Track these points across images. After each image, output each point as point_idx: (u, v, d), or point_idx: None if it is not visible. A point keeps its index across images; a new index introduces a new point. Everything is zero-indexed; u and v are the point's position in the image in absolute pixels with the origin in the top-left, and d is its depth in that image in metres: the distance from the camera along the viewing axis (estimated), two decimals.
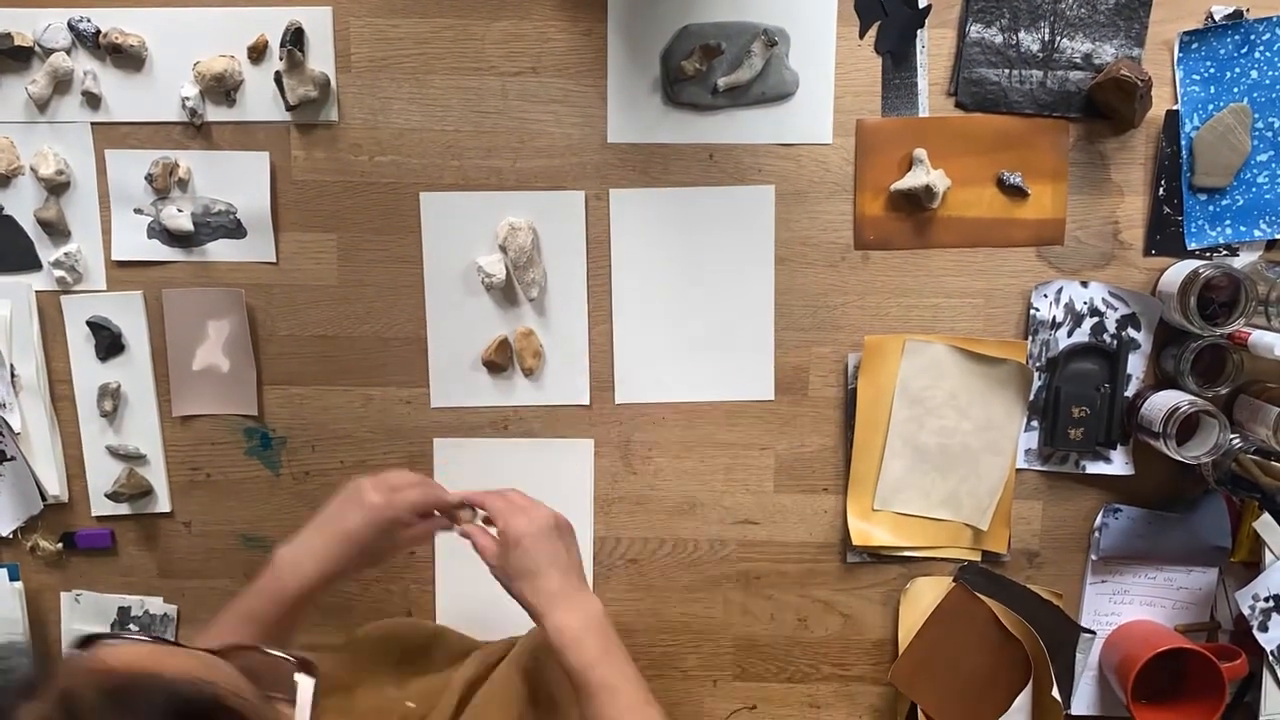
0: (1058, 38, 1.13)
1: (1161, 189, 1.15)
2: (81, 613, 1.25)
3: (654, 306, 1.19)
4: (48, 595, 1.25)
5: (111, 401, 1.20)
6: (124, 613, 1.25)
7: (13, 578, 1.23)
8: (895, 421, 1.19)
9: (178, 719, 0.56)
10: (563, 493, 1.20)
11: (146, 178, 1.16)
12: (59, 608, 1.25)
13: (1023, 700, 1.19)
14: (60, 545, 1.23)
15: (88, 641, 0.65)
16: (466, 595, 1.24)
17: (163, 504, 1.23)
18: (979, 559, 1.22)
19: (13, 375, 1.19)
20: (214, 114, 1.16)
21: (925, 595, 1.22)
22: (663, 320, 1.19)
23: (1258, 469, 1.06)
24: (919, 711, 1.21)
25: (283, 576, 0.97)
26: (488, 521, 1.03)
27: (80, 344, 1.20)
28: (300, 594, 0.97)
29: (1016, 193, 1.15)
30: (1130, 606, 1.22)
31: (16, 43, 1.13)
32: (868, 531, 1.21)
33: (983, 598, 1.19)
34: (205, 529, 1.24)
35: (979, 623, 1.20)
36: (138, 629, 1.25)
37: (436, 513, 1.04)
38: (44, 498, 1.21)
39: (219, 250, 1.18)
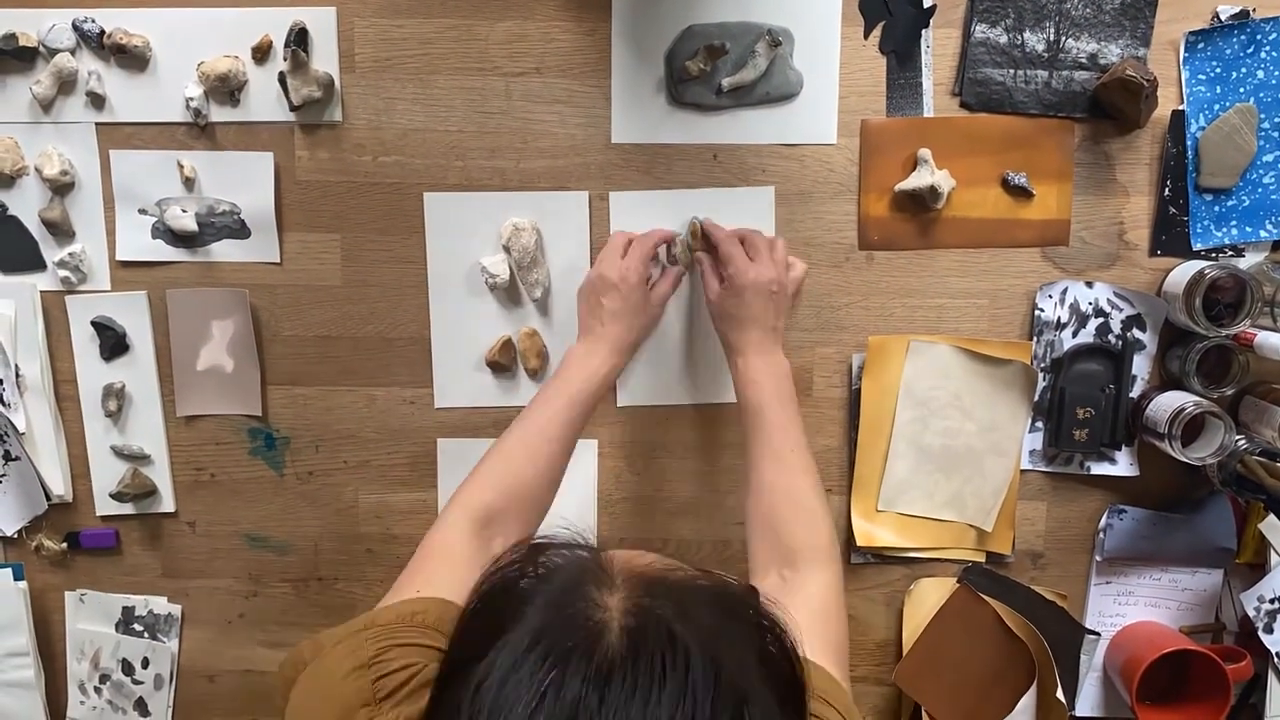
0: (1063, 38, 1.13)
1: (1167, 189, 1.15)
2: (86, 612, 1.25)
3: None
4: (52, 595, 1.26)
5: (116, 401, 1.20)
6: (128, 612, 1.25)
7: (17, 577, 1.23)
8: (899, 422, 1.19)
9: (735, 613, 0.61)
10: (566, 492, 1.21)
11: None
12: (63, 607, 1.26)
13: (1027, 702, 1.19)
14: (65, 545, 1.24)
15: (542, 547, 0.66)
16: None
17: (167, 504, 1.23)
18: (983, 560, 1.22)
19: (18, 375, 1.19)
20: (218, 114, 1.16)
21: (929, 596, 1.22)
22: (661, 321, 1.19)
23: (1263, 470, 1.06)
24: (923, 713, 1.21)
25: (588, 369, 1.07)
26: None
27: (85, 344, 1.20)
28: (606, 378, 1.08)
29: (1021, 193, 1.15)
30: (1135, 608, 1.22)
31: (21, 43, 1.13)
32: (872, 532, 1.21)
33: (987, 599, 1.19)
34: (209, 529, 1.24)
35: (983, 624, 1.19)
36: (143, 629, 1.25)
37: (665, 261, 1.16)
38: (49, 498, 1.21)
39: (223, 250, 1.18)
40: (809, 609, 0.91)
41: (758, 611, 0.62)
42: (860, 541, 1.21)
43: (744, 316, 1.08)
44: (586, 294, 1.12)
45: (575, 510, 1.22)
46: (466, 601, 0.63)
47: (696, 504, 1.22)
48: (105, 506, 1.23)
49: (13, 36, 1.12)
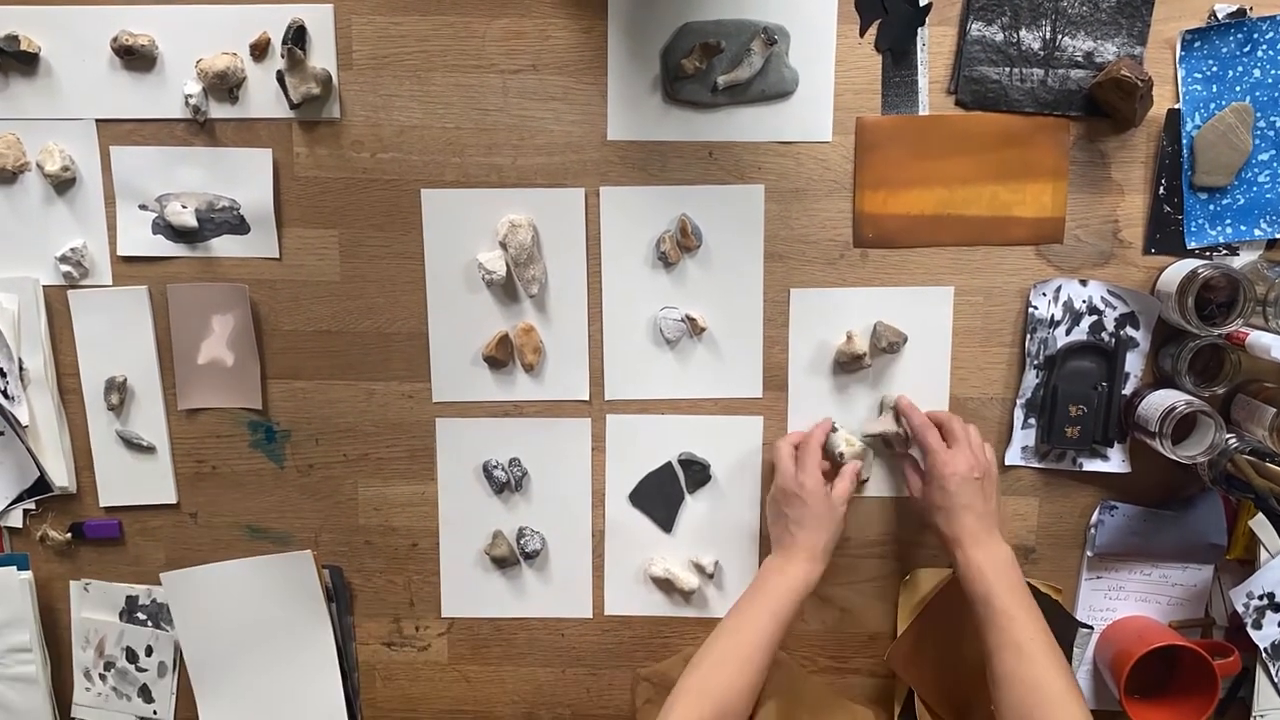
0: (1059, 36, 1.13)
1: (1162, 188, 1.15)
2: (91, 601, 1.27)
3: (643, 304, 1.20)
4: (57, 584, 1.28)
5: (118, 395, 1.21)
6: (132, 601, 1.27)
7: (22, 567, 1.25)
8: None
9: None
10: (564, 479, 1.24)
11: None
12: (68, 596, 1.28)
13: None
14: (69, 535, 1.25)
15: None
16: (470, 591, 1.26)
17: (169, 495, 1.25)
18: None
19: (21, 369, 1.20)
20: (217, 111, 1.17)
21: (925, 585, 1.23)
22: (651, 318, 1.20)
23: (1252, 470, 1.07)
24: (915, 703, 1.23)
25: (788, 583, 1.10)
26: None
27: (87, 337, 1.21)
28: (805, 588, 1.10)
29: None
30: (1125, 602, 1.23)
31: (23, 46, 1.14)
32: None
33: None
34: (211, 520, 1.26)
35: None
36: (146, 618, 1.27)
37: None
38: (50, 487, 1.23)
39: (223, 246, 1.19)
40: None
41: None
42: None
43: (954, 506, 1.09)
44: (770, 508, 1.16)
45: (572, 495, 1.24)
46: None
47: None
48: (109, 497, 1.25)
49: (14, 38, 1.13)
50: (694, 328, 1.18)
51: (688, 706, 1.02)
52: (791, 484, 1.13)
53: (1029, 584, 1.19)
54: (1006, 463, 1.20)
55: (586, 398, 1.22)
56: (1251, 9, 1.11)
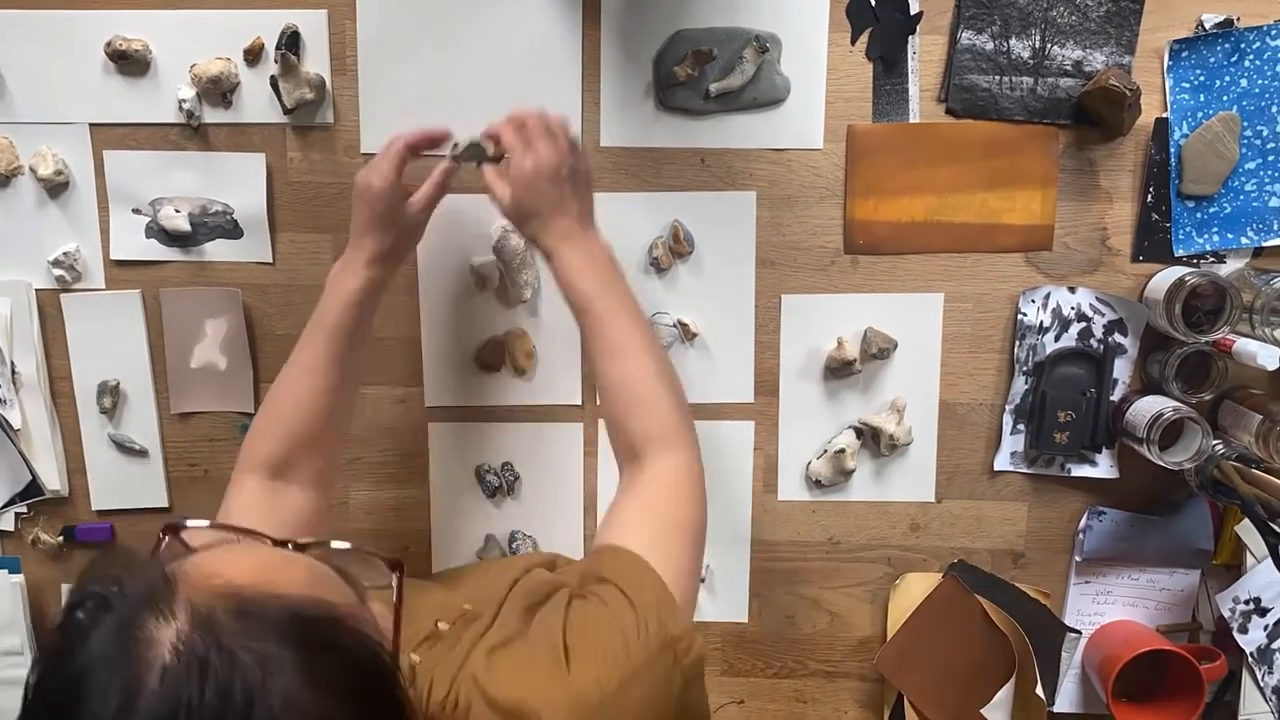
0: (1048, 45, 1.14)
1: (1150, 196, 1.16)
2: None
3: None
4: (49, 588, 1.27)
5: (111, 399, 1.22)
6: None
7: (14, 571, 1.25)
8: None
9: (301, 637, 0.57)
10: (553, 485, 1.24)
11: None
12: (59, 600, 1.27)
13: (1002, 696, 1.21)
14: (61, 539, 1.25)
15: (175, 528, 0.66)
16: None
17: (161, 499, 1.25)
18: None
19: (13, 372, 1.20)
20: (210, 116, 1.17)
21: (914, 589, 1.24)
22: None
23: (1238, 476, 1.08)
24: (904, 706, 1.24)
25: (340, 290, 1.03)
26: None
27: (80, 341, 1.21)
28: (361, 296, 1.03)
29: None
30: (1113, 607, 1.24)
31: None
32: None
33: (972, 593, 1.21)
34: None
35: (968, 616, 1.21)
36: None
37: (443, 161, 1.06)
38: (42, 490, 1.23)
39: (216, 250, 1.20)
40: (638, 500, 0.93)
41: (347, 633, 0.60)
42: None
43: (541, 210, 0.99)
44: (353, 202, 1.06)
45: (565, 502, 1.24)
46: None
47: None
48: (101, 501, 1.25)
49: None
50: (686, 333, 1.19)
51: (251, 449, 1.02)
52: (360, 180, 1.03)
53: (1018, 588, 1.21)
54: (995, 468, 1.21)
55: (579, 402, 1.22)
56: (1239, 19, 1.12)
